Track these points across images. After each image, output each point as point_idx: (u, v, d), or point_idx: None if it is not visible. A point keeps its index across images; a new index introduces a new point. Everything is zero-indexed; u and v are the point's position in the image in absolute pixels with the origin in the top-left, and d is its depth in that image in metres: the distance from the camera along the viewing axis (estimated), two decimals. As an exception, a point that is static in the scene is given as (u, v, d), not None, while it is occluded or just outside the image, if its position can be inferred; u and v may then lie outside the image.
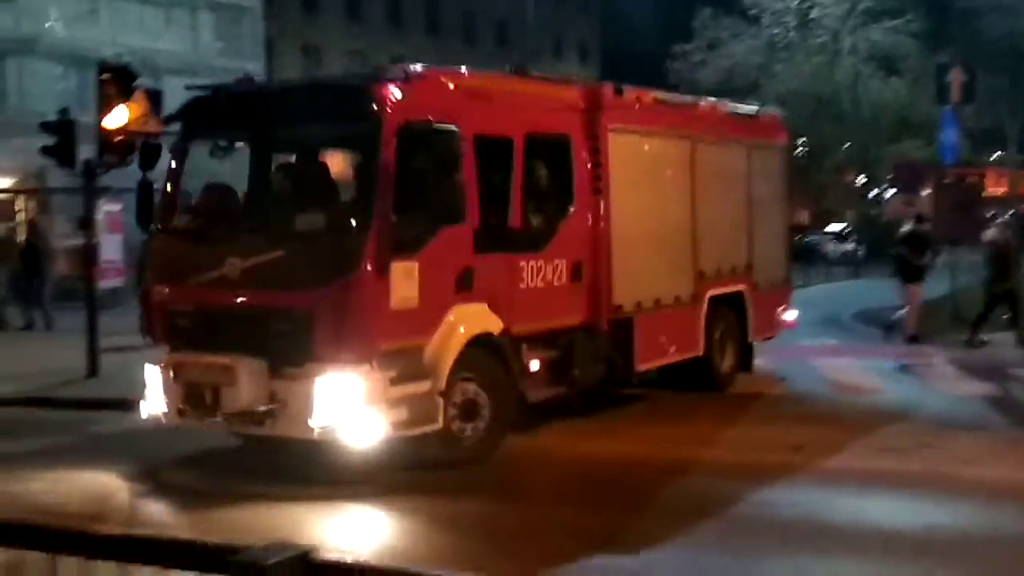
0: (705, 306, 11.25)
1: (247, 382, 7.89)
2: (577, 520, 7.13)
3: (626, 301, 10.02)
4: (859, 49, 44.34)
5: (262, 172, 9.22)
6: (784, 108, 42.04)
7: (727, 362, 11.78)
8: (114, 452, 9.33)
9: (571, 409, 9.95)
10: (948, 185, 17.52)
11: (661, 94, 11.51)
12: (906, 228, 15.85)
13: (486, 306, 8.58)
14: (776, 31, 44.74)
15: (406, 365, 7.96)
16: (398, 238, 7.82)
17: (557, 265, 9.35)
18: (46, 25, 29.36)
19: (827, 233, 42.53)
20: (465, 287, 8.42)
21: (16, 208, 27.29)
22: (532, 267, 9.07)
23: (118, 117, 11.87)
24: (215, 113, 8.96)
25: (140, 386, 8.70)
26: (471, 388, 8.44)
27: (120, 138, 12.01)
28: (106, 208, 18.32)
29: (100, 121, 12.08)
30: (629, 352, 10.12)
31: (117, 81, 11.97)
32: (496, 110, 8.89)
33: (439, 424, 8.06)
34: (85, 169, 12.96)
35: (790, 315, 13.05)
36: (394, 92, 7.99)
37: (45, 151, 13.06)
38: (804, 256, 41.82)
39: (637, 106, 10.45)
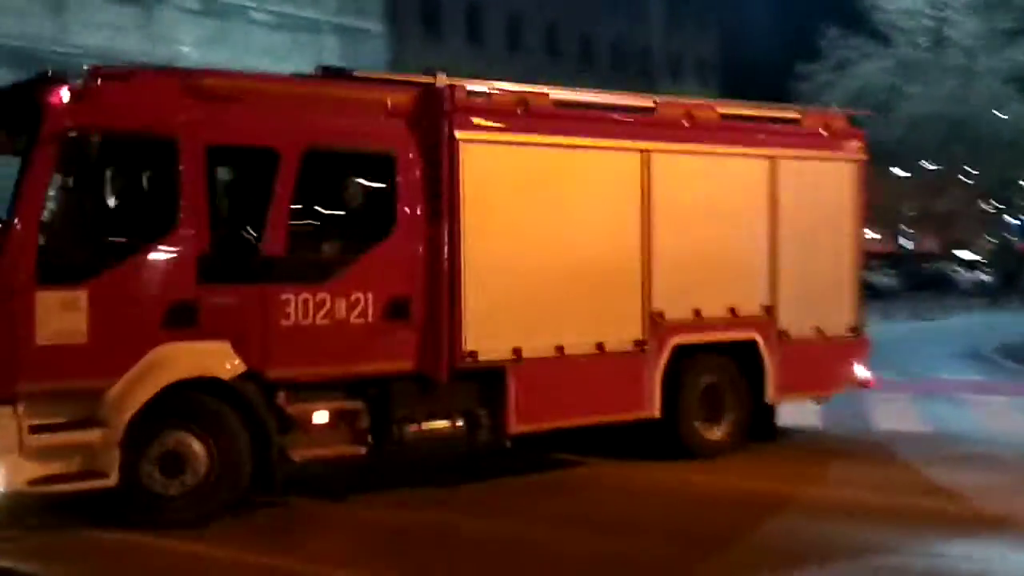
0: (665, 356, 9.26)
1: None
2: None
3: (488, 347, 8.32)
4: (998, 70, 42.46)
5: None
6: (916, 131, 41.35)
7: (720, 428, 9.70)
8: None
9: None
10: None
11: (575, 95, 9.38)
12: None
13: (226, 345, 7.40)
14: (908, 51, 43.20)
15: (73, 410, 6.90)
16: (54, 262, 6.86)
17: (356, 300, 7.90)
18: (179, 48, 30.26)
19: (957, 261, 40.84)
20: (181, 322, 7.29)
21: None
22: (305, 301, 7.70)
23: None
24: None
25: None
26: (183, 439, 7.27)
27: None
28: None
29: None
30: (499, 409, 8.46)
31: None
32: (252, 117, 7.65)
33: (111, 480, 6.93)
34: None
35: (863, 371, 10.51)
36: (62, 95, 6.92)
37: None
38: (934, 285, 40.40)
39: (519, 110, 8.53)
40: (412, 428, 8.16)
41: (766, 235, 9.83)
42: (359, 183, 8.25)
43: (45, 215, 7.01)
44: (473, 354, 8.29)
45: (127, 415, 7.01)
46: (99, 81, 7.10)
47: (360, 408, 7.96)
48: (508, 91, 8.64)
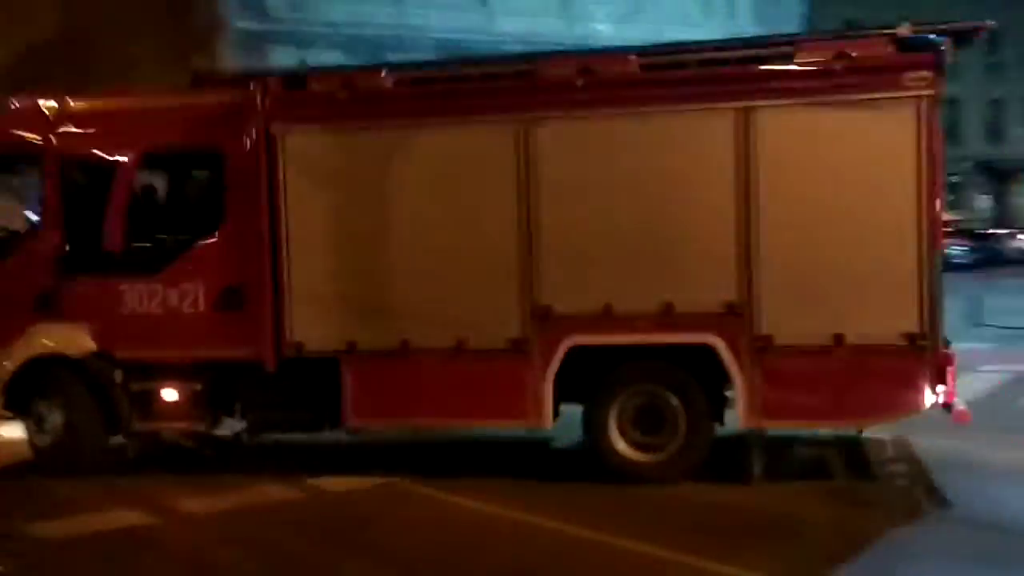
0: (557, 359, 8.01)
1: None
2: None
3: (316, 338, 8.32)
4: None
5: None
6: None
7: (661, 452, 8.01)
8: None
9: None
10: None
11: (424, 72, 8.84)
12: None
13: (81, 328, 8.77)
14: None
15: None
16: None
17: (185, 290, 8.59)
18: (595, 27, 30.62)
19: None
20: (46, 308, 8.82)
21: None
22: (140, 291, 8.68)
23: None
24: None
25: None
26: (44, 405, 8.89)
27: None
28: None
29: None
30: (335, 402, 8.37)
31: None
32: (98, 132, 8.88)
33: None
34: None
35: (934, 396, 7.57)
36: None
37: None
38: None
39: (344, 96, 8.26)
40: (252, 412, 8.76)
41: (731, 210, 7.73)
42: (191, 182, 9.06)
43: None
44: (299, 344, 8.41)
45: (2, 382, 8.86)
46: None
47: (199, 389, 8.68)
48: (332, 77, 8.53)
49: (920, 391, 7.57)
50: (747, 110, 7.73)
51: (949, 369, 7.58)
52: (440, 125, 8.17)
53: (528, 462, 8.98)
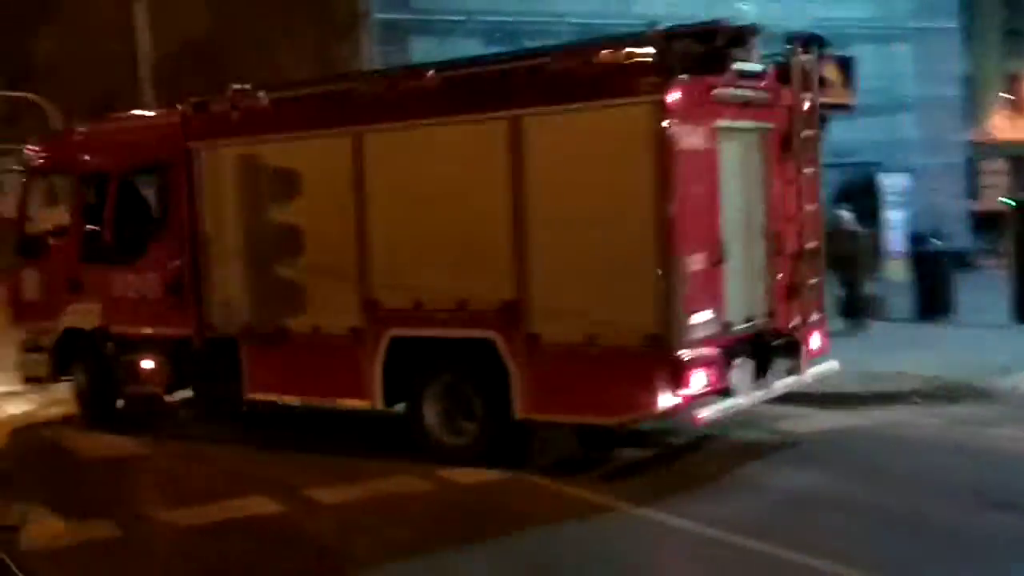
0: (383, 348, 8.64)
1: None
2: None
3: (223, 322, 9.80)
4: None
5: None
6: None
7: (464, 435, 8.47)
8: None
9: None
10: None
11: (289, 90, 9.74)
12: None
13: (97, 307, 10.72)
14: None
15: (36, 337, 11.29)
16: (25, 250, 11.45)
17: (149, 279, 10.33)
18: (739, 6, 30.26)
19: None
20: (75, 290, 10.89)
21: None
22: (124, 278, 10.48)
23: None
24: None
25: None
26: (75, 367, 11.12)
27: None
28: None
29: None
30: (236, 377, 9.66)
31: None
32: (99, 154, 10.97)
33: (43, 375, 11.39)
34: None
35: (668, 398, 7.52)
36: (32, 152, 11.87)
37: None
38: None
39: (233, 116, 9.59)
40: (195, 383, 10.35)
41: (507, 213, 8.02)
42: (153, 188, 10.81)
43: (27, 225, 11.69)
44: (211, 326, 9.87)
45: (51, 342, 11.15)
46: (48, 141, 12.56)
47: (163, 362, 10.32)
48: (224, 97, 9.69)
49: (654, 392, 7.55)
50: (515, 119, 8.06)
51: (691, 372, 7.53)
52: (298, 138, 9.21)
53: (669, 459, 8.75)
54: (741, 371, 8.09)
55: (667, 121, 7.41)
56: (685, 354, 7.49)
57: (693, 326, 7.59)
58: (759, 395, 8.32)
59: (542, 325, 7.96)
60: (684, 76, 7.49)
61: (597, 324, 7.70)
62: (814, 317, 8.85)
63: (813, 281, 8.82)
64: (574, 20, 27.14)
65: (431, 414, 8.64)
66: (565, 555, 6.51)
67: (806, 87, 8.72)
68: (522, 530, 6.97)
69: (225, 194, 9.70)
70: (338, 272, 8.97)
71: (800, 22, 21.42)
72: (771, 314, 8.55)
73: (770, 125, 8.59)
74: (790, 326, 8.61)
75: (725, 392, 7.94)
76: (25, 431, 11.19)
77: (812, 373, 8.87)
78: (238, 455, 9.43)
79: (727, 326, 7.99)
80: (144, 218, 10.80)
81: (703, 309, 7.70)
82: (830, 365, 9.13)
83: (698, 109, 7.65)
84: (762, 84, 8.43)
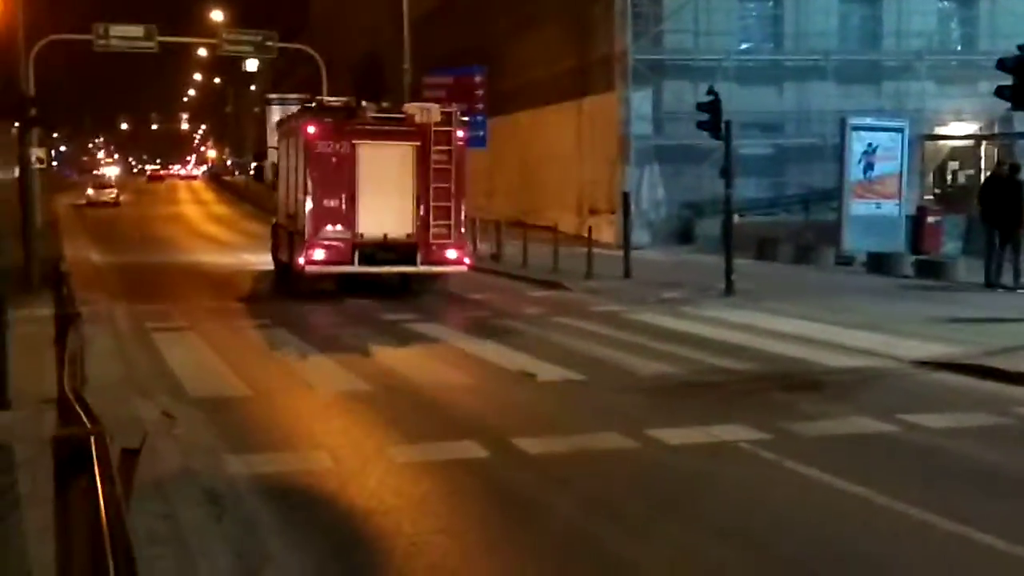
0: None
1: None
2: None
3: None
4: None
5: None
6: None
7: None
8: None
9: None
10: None
11: None
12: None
13: None
14: None
15: None
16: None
17: None
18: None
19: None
20: None
21: (978, 155, 27.94)
22: None
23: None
24: None
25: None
26: None
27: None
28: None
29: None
30: None
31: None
32: None
33: None
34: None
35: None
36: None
37: (999, 92, 12.58)
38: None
39: None
40: None
41: None
42: None
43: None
44: None
45: None
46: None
47: None
48: None
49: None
50: None
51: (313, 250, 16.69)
52: None
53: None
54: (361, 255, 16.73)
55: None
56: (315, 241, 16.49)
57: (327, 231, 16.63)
58: (368, 269, 17.07)
59: None
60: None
61: None
62: (441, 240, 16.88)
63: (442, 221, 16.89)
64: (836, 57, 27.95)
65: None
66: (758, 525, 6.33)
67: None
68: (716, 498, 6.91)
69: None
70: None
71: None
72: (409, 234, 16.80)
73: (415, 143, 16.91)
74: (413, 240, 16.77)
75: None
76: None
77: (425, 269, 17.17)
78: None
79: (358, 235, 16.65)
80: None
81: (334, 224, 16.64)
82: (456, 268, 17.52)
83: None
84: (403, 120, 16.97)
